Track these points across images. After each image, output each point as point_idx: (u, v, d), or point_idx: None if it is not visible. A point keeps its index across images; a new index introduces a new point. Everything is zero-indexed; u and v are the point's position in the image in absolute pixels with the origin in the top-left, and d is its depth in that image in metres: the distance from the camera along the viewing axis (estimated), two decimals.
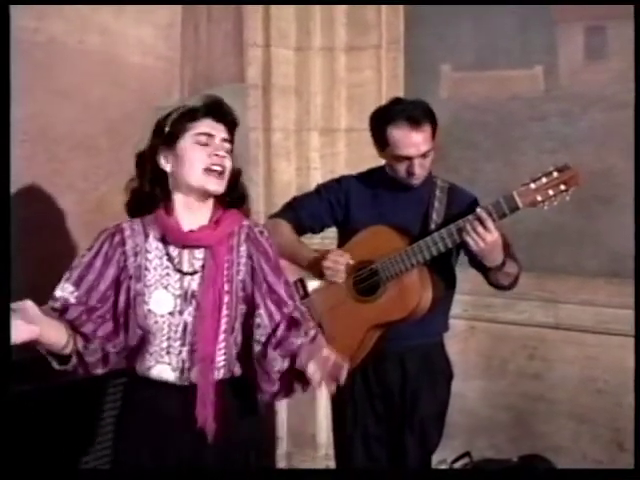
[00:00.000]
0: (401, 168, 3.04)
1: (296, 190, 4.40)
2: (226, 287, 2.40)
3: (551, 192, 2.79)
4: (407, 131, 2.97)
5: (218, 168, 2.38)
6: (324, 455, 4.41)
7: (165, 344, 2.38)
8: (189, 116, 2.40)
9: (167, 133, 2.39)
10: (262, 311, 2.45)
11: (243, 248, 2.47)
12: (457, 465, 4.02)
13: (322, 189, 3.26)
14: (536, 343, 4.03)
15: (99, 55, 3.57)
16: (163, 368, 2.39)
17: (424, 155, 3.01)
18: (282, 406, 4.54)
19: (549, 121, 3.98)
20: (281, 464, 4.54)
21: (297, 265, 3.12)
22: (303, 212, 3.21)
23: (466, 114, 4.17)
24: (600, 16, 3.85)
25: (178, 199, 2.42)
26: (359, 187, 3.21)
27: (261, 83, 4.39)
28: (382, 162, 3.31)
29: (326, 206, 3.20)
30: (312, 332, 2.47)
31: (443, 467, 4.03)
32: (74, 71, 3.45)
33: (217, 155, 2.37)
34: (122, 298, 2.38)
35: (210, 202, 2.46)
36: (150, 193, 2.42)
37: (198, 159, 2.36)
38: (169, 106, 3.86)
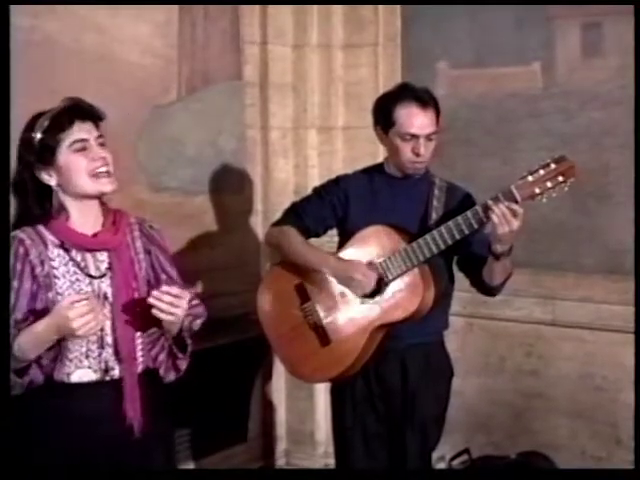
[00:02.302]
0: (406, 149, 3.04)
1: (294, 188, 4.41)
2: (134, 284, 2.45)
3: (549, 184, 2.78)
4: (414, 109, 3.01)
5: (104, 169, 2.38)
6: (323, 453, 4.41)
7: (84, 348, 2.37)
8: (58, 127, 2.36)
9: (40, 150, 2.36)
10: None
11: (139, 244, 2.51)
12: (456, 462, 4.03)
13: (322, 191, 3.25)
14: (534, 340, 4.04)
15: (95, 54, 3.57)
16: (84, 372, 2.37)
17: (429, 137, 3.03)
18: (281, 404, 4.55)
19: (547, 118, 3.96)
20: (280, 462, 4.55)
21: (312, 269, 3.13)
22: (307, 217, 3.20)
23: (463, 111, 4.17)
24: (596, 13, 3.84)
25: (71, 207, 2.42)
26: (358, 185, 3.20)
27: (258, 81, 4.38)
28: (379, 160, 3.31)
29: (328, 208, 3.20)
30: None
31: (442, 464, 4.04)
32: (70, 70, 3.44)
33: (100, 157, 2.38)
34: (39, 308, 2.34)
35: (96, 201, 2.47)
36: (40, 212, 2.40)
37: (82, 167, 2.36)
38: (166, 104, 3.93)
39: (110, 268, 2.42)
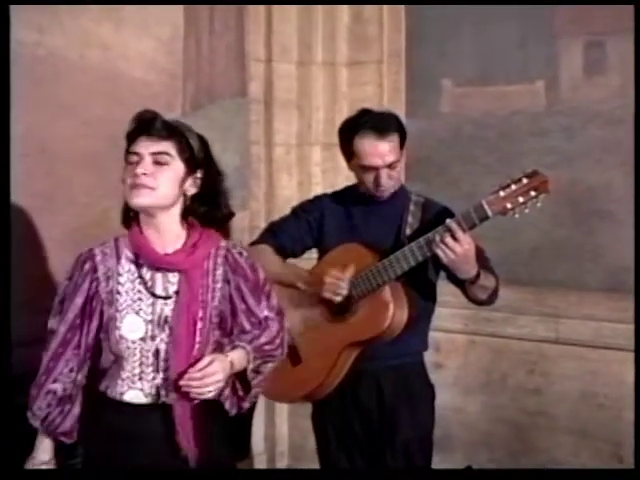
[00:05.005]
0: (368, 179, 3.00)
1: None
2: (200, 313, 2.36)
3: (521, 199, 2.73)
4: (372, 141, 2.94)
5: (140, 181, 2.31)
6: None
7: (137, 370, 2.34)
8: (129, 138, 2.38)
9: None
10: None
11: (219, 272, 2.43)
12: None
13: (299, 210, 3.23)
14: (536, 358, 4.02)
15: (100, 70, 3.57)
16: (135, 394, 2.34)
17: (390, 166, 2.97)
18: (283, 421, 4.53)
19: (550, 136, 3.97)
20: None
21: (288, 286, 3.08)
22: (284, 236, 3.16)
23: (467, 129, 4.18)
24: (599, 31, 3.86)
25: (141, 219, 2.39)
26: (333, 205, 3.18)
27: (263, 98, 4.41)
28: None
29: (305, 227, 3.17)
30: (261, 340, 2.49)
31: None
32: (75, 86, 3.44)
33: (144, 174, 2.30)
34: (95, 324, 2.34)
35: (173, 221, 2.40)
36: (129, 213, 2.42)
37: (126, 179, 2.33)
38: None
39: (177, 292, 2.36)
